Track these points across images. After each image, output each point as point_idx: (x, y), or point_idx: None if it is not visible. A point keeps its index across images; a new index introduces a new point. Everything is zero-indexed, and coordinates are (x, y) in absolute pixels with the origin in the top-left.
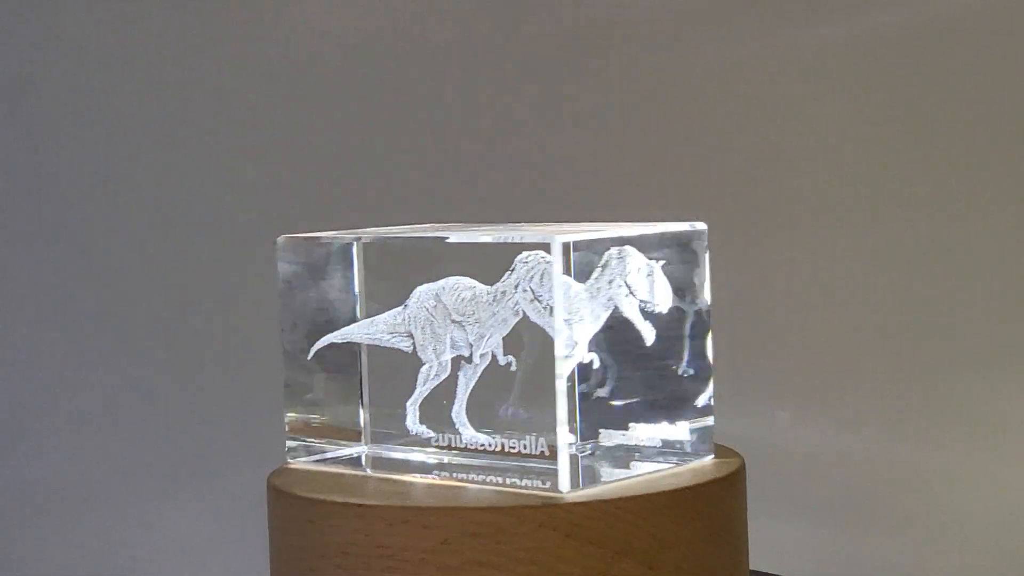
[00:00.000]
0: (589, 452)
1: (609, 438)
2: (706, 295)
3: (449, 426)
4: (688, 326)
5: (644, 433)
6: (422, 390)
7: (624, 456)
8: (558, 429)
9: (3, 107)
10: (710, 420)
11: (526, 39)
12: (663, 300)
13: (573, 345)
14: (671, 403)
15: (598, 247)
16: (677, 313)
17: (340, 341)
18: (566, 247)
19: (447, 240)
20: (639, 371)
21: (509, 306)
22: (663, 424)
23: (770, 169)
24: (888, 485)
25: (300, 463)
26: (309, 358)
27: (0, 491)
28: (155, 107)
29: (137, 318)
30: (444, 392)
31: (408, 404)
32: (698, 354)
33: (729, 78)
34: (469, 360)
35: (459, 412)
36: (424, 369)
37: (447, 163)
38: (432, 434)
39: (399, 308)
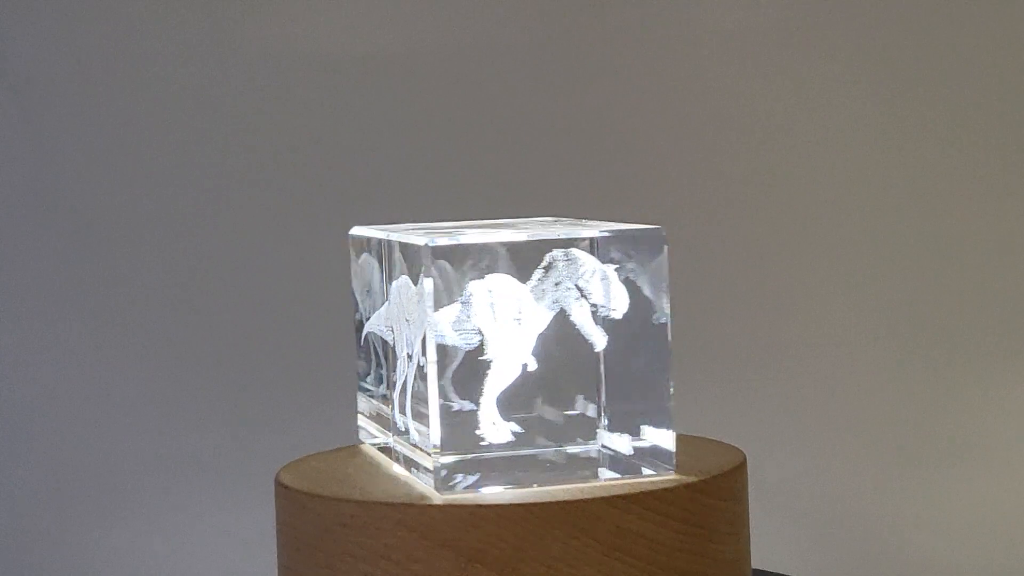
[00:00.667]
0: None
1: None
2: (665, 301)
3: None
4: (649, 332)
5: (607, 440)
6: (398, 384)
7: (569, 465)
8: (431, 430)
9: (18, 106)
10: (670, 429)
11: (527, 36)
12: (619, 305)
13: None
14: (634, 411)
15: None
16: (637, 318)
17: (367, 332)
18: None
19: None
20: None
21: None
22: (622, 434)
23: (760, 170)
24: (887, 487)
25: (365, 446)
26: (360, 345)
27: (14, 489)
28: (171, 104)
29: (149, 316)
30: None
31: (395, 397)
32: (659, 360)
33: (718, 75)
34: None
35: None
36: (398, 364)
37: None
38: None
39: (387, 302)
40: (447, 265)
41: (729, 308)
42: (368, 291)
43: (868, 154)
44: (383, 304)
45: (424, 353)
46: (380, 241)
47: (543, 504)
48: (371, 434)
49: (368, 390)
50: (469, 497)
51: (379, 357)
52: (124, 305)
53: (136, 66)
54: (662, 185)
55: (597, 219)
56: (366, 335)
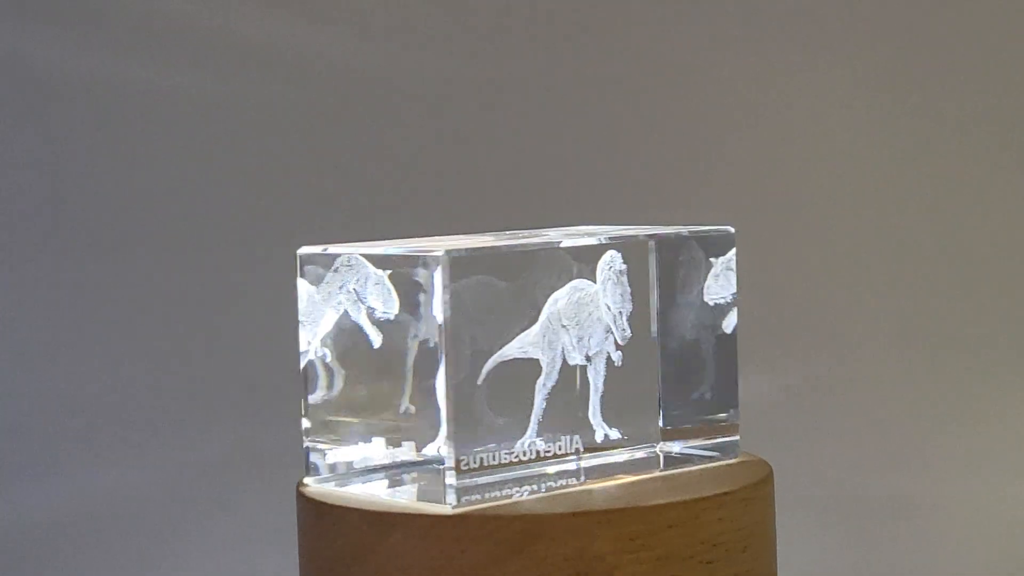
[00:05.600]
0: None
1: None
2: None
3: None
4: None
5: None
6: (538, 400)
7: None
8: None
9: (22, 113)
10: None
11: (550, 46)
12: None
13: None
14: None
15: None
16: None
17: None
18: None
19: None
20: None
21: (601, 305)
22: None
23: (785, 171)
24: (903, 492)
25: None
26: (480, 382)
27: (19, 493)
28: (169, 114)
29: (164, 324)
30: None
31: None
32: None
33: (748, 84)
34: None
35: (594, 414)
36: (538, 380)
37: (465, 169)
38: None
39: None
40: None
41: (749, 315)
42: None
43: (884, 158)
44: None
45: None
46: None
47: (601, 512)
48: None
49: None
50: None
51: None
52: (135, 312)
53: (145, 75)
54: (662, 191)
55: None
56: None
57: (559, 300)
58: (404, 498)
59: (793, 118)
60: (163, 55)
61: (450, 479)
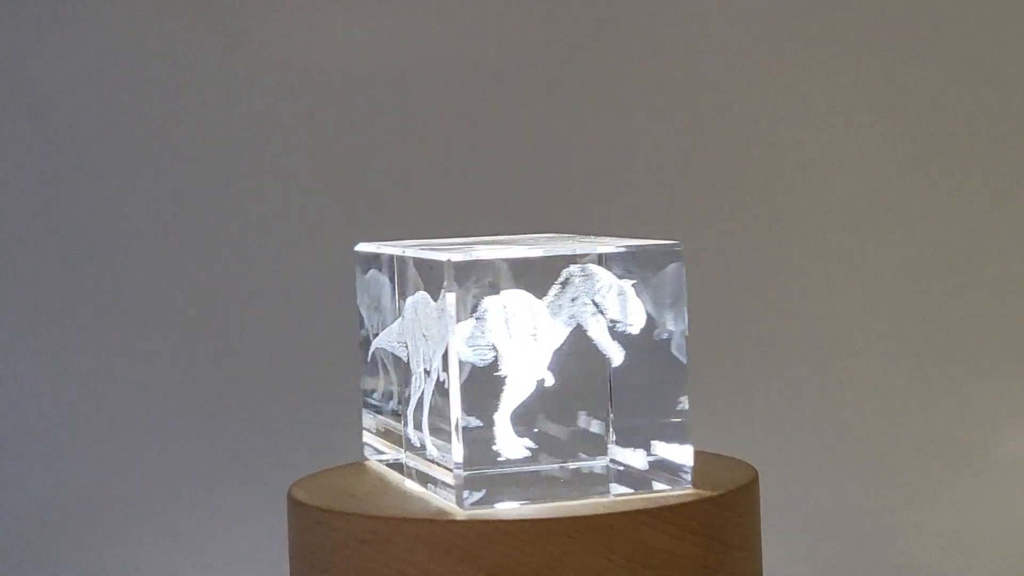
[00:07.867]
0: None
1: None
2: (683, 316)
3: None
4: (665, 346)
5: (620, 455)
6: (413, 400)
7: (584, 480)
8: (452, 446)
9: (27, 112)
10: (686, 444)
11: (534, 51)
12: (636, 320)
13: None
14: (648, 426)
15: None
16: (653, 334)
17: (375, 348)
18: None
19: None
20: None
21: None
22: (636, 449)
23: (763, 184)
24: (892, 505)
25: (371, 462)
26: (368, 361)
27: (18, 501)
28: (184, 111)
29: (160, 325)
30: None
31: (408, 413)
32: (674, 375)
33: (723, 89)
34: (427, 374)
35: (406, 423)
36: (412, 380)
37: (476, 177)
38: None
39: (401, 317)
40: (465, 281)
41: (736, 322)
42: (376, 307)
43: (880, 166)
44: (395, 320)
45: (445, 368)
46: (393, 257)
47: (564, 519)
48: (378, 450)
49: (375, 406)
50: (489, 513)
51: (388, 373)
52: (132, 320)
53: (148, 83)
54: (670, 199)
55: (607, 234)
56: (374, 351)
57: (417, 307)
58: None
59: (768, 126)
60: (163, 55)
61: None
